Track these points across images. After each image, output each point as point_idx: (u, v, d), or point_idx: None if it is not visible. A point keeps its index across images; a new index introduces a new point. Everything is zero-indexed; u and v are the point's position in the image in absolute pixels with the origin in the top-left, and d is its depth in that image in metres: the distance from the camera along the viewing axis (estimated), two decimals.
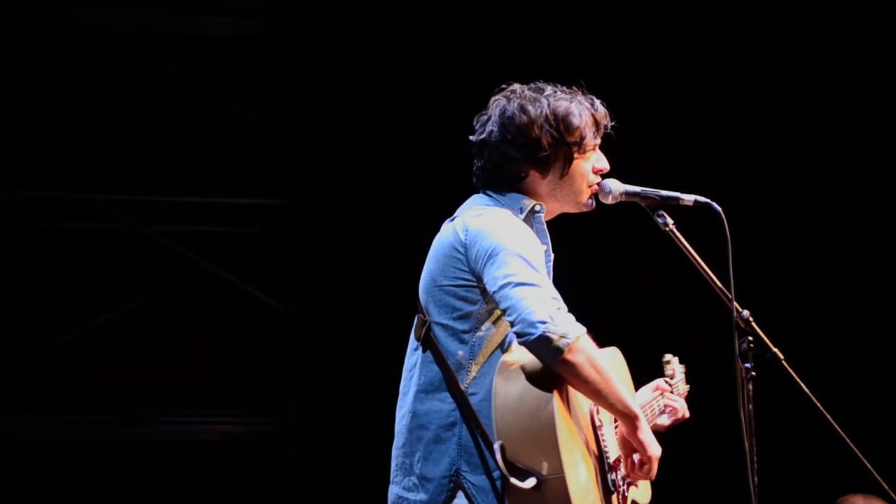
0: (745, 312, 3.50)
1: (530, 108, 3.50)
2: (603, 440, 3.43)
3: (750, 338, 3.46)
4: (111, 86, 6.83)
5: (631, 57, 6.79)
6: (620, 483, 3.47)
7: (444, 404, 3.37)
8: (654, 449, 3.38)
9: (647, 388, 3.80)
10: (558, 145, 3.49)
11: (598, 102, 3.59)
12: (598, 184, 3.61)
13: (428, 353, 3.40)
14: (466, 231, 3.39)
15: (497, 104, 3.55)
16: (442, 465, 3.34)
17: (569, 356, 3.20)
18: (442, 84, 6.63)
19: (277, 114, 6.82)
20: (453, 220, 3.50)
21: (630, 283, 6.68)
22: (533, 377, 3.26)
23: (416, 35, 6.75)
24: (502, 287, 3.26)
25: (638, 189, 3.63)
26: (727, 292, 3.51)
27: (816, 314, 6.81)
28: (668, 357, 4.03)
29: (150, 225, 6.82)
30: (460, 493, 3.32)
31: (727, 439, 3.67)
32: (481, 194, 3.57)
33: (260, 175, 6.90)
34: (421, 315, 3.43)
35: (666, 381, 3.89)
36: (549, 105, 3.50)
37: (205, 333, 6.85)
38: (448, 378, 3.36)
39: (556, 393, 3.25)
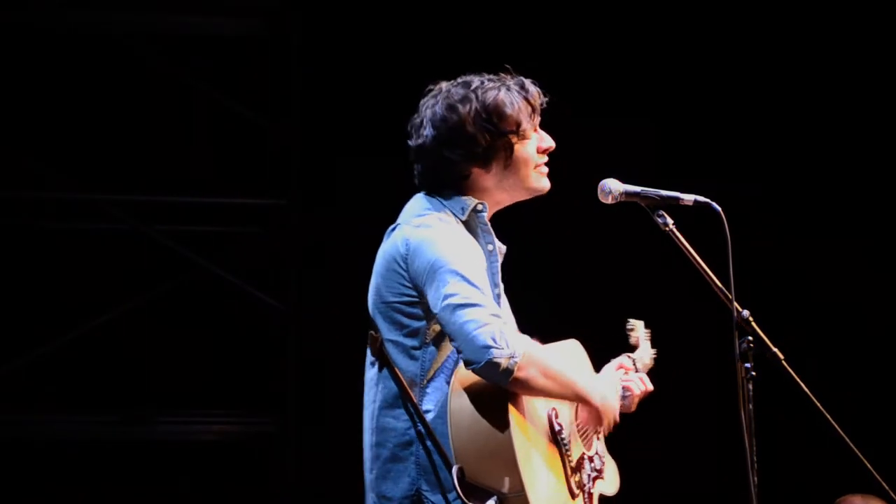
0: (745, 312, 3.50)
1: (459, 106, 3.45)
2: (564, 443, 3.41)
3: (750, 338, 3.46)
4: (111, 86, 6.83)
5: (629, 55, 6.79)
6: (585, 481, 3.46)
7: (398, 422, 3.34)
8: (613, 414, 3.46)
9: (611, 367, 3.72)
10: (495, 137, 3.44)
11: (528, 83, 3.54)
12: (598, 184, 3.61)
13: (384, 370, 3.37)
14: (407, 244, 3.35)
15: (426, 106, 3.51)
16: (402, 485, 3.32)
17: (519, 374, 3.18)
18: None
19: (277, 114, 6.82)
20: (395, 228, 3.46)
21: (629, 284, 6.67)
22: (486, 394, 3.24)
23: (416, 34, 6.75)
24: (443, 309, 3.22)
25: (638, 189, 3.63)
26: (727, 292, 3.51)
27: (816, 314, 6.81)
28: (631, 323, 3.96)
29: (150, 225, 6.81)
30: None
31: (727, 439, 3.67)
32: (423, 196, 3.52)
33: (260, 175, 6.89)
34: (372, 331, 3.39)
35: (628, 356, 3.82)
36: (477, 99, 3.46)
37: (205, 333, 6.84)
38: (403, 395, 3.33)
39: (511, 408, 3.23)
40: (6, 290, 6.74)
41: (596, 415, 3.45)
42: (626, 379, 3.69)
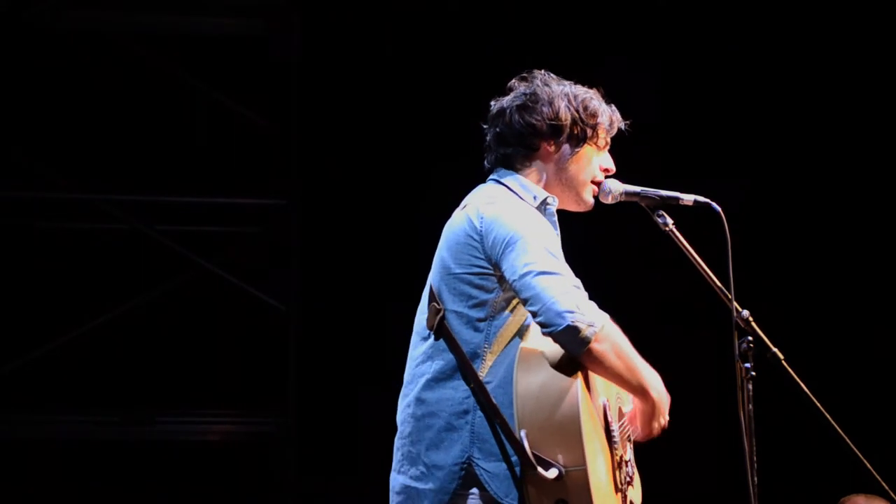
0: (745, 312, 3.50)
1: (554, 84, 3.57)
2: (614, 438, 3.43)
3: (750, 338, 3.46)
4: (111, 86, 6.83)
5: (629, 54, 6.79)
6: (623, 482, 3.47)
7: (456, 392, 3.36)
8: (667, 407, 3.47)
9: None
10: (574, 123, 3.54)
11: (613, 106, 3.64)
12: (599, 183, 3.61)
13: (441, 341, 3.39)
14: (481, 219, 3.39)
15: (519, 83, 3.60)
16: (453, 453, 3.33)
17: (595, 345, 3.24)
18: (442, 83, 6.63)
19: (277, 114, 6.82)
20: (464, 207, 3.49)
21: (629, 284, 6.68)
22: (555, 366, 3.26)
23: (416, 34, 6.75)
24: (523, 276, 3.27)
25: (638, 189, 3.63)
26: (727, 292, 3.51)
27: (816, 314, 6.81)
28: None
29: (150, 225, 6.82)
30: (472, 480, 3.31)
31: (727, 439, 3.67)
32: (490, 182, 3.57)
33: (260, 175, 6.90)
34: (435, 303, 3.40)
35: None
36: (571, 88, 3.58)
37: (205, 333, 6.84)
38: (462, 366, 3.35)
39: (579, 383, 3.24)
40: (6, 290, 6.74)
41: (645, 412, 3.45)
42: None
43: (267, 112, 6.84)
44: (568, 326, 3.21)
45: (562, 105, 3.53)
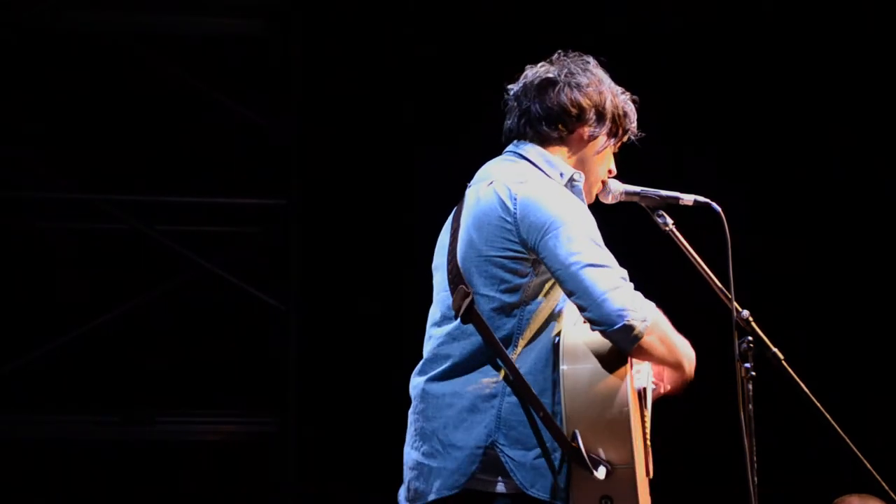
0: (745, 312, 3.50)
1: (602, 73, 3.51)
2: (645, 424, 3.40)
3: (750, 338, 3.46)
4: (111, 86, 6.83)
5: (629, 54, 6.79)
6: (648, 468, 3.44)
7: (484, 376, 3.27)
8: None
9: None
10: (613, 119, 3.49)
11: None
12: (604, 183, 3.60)
13: (469, 324, 3.28)
14: (514, 200, 3.29)
15: (567, 60, 3.51)
16: (475, 435, 3.25)
17: (645, 338, 3.20)
18: (442, 83, 6.63)
19: (277, 114, 6.82)
20: (491, 183, 3.37)
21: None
22: (603, 360, 3.22)
23: (416, 34, 6.75)
24: (569, 266, 3.20)
25: (638, 189, 3.62)
26: (727, 292, 3.51)
27: (816, 313, 6.81)
28: None
29: (150, 225, 6.82)
30: (495, 466, 3.24)
31: (727, 439, 3.67)
32: (511, 155, 3.48)
33: (260, 175, 6.90)
34: (463, 286, 3.29)
35: None
36: (614, 85, 3.53)
37: (205, 333, 6.84)
38: (494, 351, 3.25)
39: (628, 380, 3.21)
40: (6, 291, 6.74)
41: (675, 380, 3.44)
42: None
43: (267, 112, 6.84)
44: (624, 326, 3.17)
45: (609, 96, 3.47)
